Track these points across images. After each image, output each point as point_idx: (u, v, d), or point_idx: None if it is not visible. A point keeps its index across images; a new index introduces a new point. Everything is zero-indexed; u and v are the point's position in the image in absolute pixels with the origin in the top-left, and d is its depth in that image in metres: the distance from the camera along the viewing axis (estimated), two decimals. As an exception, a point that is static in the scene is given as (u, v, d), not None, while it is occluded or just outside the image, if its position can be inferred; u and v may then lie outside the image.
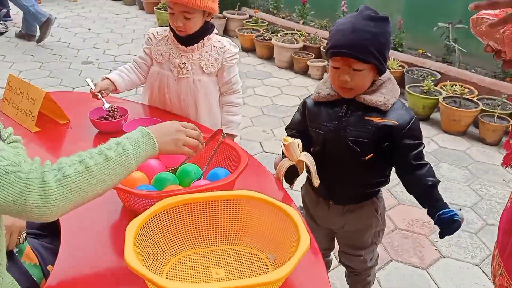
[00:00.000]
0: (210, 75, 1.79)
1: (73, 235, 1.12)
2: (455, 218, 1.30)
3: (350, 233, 1.55)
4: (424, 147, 1.38)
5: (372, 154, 1.35)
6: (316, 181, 1.37)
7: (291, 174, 1.42)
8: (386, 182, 1.48)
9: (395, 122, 1.32)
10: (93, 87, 1.71)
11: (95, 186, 0.87)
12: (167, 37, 1.81)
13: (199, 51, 1.76)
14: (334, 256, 2.16)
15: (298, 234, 0.94)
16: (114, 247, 1.10)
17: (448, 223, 1.31)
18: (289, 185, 1.46)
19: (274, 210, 1.05)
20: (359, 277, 1.69)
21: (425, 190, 1.35)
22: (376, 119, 1.33)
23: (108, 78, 1.77)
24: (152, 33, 1.84)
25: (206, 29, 1.75)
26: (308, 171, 1.39)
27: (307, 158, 1.37)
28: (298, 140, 1.38)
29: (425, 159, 1.37)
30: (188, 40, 1.75)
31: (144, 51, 1.86)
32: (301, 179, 1.54)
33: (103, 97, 1.71)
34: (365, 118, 1.33)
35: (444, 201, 1.35)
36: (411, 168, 1.35)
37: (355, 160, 1.36)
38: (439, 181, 1.37)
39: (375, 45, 1.27)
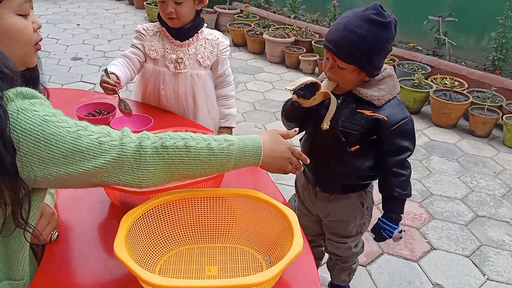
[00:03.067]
0: (207, 69, 1.80)
1: (59, 231, 1.11)
2: (384, 232, 1.42)
3: (335, 222, 1.57)
4: (410, 154, 1.35)
5: (358, 146, 1.36)
6: (326, 123, 1.31)
7: (309, 92, 1.29)
8: (373, 177, 1.48)
9: (385, 118, 1.31)
10: (110, 78, 1.61)
11: (187, 167, 0.91)
12: (158, 32, 1.78)
13: (194, 45, 1.76)
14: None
15: (292, 237, 0.94)
16: (101, 245, 1.09)
17: (378, 230, 1.43)
18: (294, 96, 1.33)
19: (272, 210, 1.04)
20: (345, 265, 1.71)
21: (389, 198, 1.40)
22: (368, 112, 1.32)
23: (113, 73, 1.66)
24: (143, 29, 1.79)
25: (198, 22, 1.75)
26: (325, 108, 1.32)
27: (334, 101, 1.30)
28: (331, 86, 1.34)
29: (408, 166, 1.36)
30: (182, 34, 1.74)
31: (136, 47, 1.79)
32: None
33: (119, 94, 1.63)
34: (358, 110, 1.34)
35: (400, 216, 1.41)
36: (388, 173, 1.36)
37: (341, 150, 1.37)
38: (409, 195, 1.38)
39: (360, 48, 1.24)
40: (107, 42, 5.15)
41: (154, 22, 1.84)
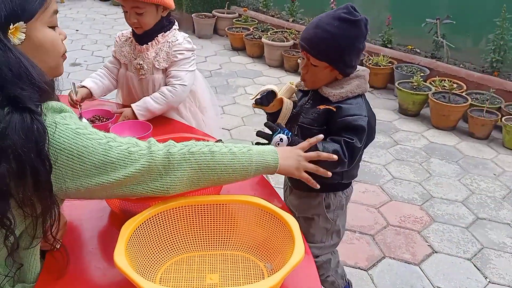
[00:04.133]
0: (164, 71, 1.79)
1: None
2: (279, 132, 1.29)
3: (301, 220, 1.54)
4: (356, 148, 1.27)
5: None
6: (282, 123, 1.39)
7: (266, 99, 1.41)
8: (340, 178, 1.42)
9: (334, 109, 1.32)
10: (75, 95, 1.69)
11: (213, 172, 0.94)
12: (130, 38, 1.82)
13: (154, 49, 1.76)
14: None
15: (293, 244, 0.94)
16: (101, 253, 1.09)
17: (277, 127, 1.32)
18: (253, 104, 1.44)
19: (272, 217, 1.04)
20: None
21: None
22: (321, 106, 1.34)
23: (84, 86, 1.77)
24: (118, 36, 1.87)
25: (161, 27, 1.74)
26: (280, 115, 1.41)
27: (287, 104, 1.41)
28: (294, 92, 1.47)
29: (345, 157, 1.26)
30: (142, 39, 1.75)
31: (113, 55, 1.88)
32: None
33: (80, 107, 1.68)
34: (316, 107, 1.36)
35: (297, 141, 1.27)
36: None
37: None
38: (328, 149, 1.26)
39: (331, 45, 1.28)
40: (105, 48, 5.15)
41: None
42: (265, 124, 1.35)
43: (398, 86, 3.74)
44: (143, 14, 1.66)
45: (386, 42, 4.44)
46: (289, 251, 0.95)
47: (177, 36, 1.77)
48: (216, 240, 1.09)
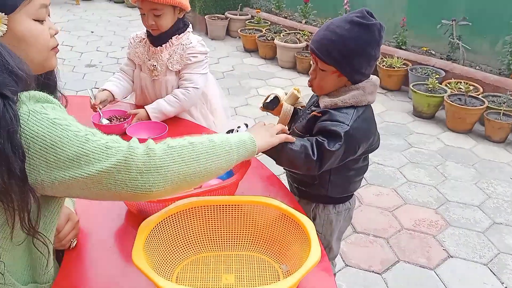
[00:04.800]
0: (177, 73, 1.80)
1: (78, 241, 1.11)
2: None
3: None
4: (323, 150, 1.21)
5: None
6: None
7: (271, 104, 1.51)
8: (325, 190, 1.38)
9: (318, 114, 1.29)
10: (93, 99, 1.71)
11: (198, 162, 0.88)
12: (144, 39, 1.84)
13: (168, 51, 1.77)
14: (340, 256, 2.15)
15: (309, 246, 0.93)
16: (119, 252, 1.10)
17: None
18: (261, 106, 1.56)
19: (288, 218, 1.04)
20: None
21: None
22: (312, 113, 1.32)
23: (106, 90, 1.79)
24: (132, 37, 1.89)
25: (176, 29, 1.76)
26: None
27: (286, 109, 1.45)
28: (301, 100, 1.48)
29: (313, 155, 1.22)
30: (156, 40, 1.77)
31: (127, 56, 1.90)
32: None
33: (100, 109, 1.70)
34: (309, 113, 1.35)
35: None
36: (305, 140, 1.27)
37: None
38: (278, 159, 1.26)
39: (339, 48, 1.23)
40: (120, 49, 5.20)
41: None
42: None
43: (412, 88, 3.70)
44: (160, 16, 1.67)
45: (400, 43, 4.40)
46: (305, 253, 0.94)
47: (191, 39, 1.78)
48: (232, 241, 1.09)
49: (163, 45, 1.76)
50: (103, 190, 0.82)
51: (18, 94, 0.79)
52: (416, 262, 2.16)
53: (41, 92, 0.83)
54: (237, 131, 1.25)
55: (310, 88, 1.37)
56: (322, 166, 1.24)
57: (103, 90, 1.79)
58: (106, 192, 0.82)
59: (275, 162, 1.26)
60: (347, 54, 1.23)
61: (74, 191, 0.82)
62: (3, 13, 0.81)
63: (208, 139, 0.93)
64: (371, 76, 1.34)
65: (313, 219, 1.44)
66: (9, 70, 0.78)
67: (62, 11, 6.91)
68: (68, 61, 4.75)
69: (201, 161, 0.89)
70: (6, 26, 0.82)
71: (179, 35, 1.77)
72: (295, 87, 1.51)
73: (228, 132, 1.28)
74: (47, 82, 0.98)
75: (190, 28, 1.81)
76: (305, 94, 1.49)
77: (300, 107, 1.48)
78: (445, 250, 2.24)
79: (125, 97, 1.92)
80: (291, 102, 1.48)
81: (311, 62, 1.34)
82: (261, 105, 1.52)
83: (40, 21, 0.88)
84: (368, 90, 1.29)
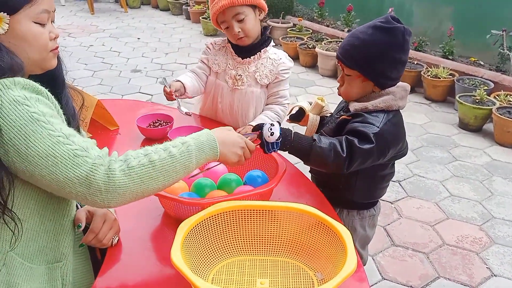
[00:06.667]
0: (263, 87, 1.80)
1: (119, 236, 1.16)
2: (269, 127, 1.20)
3: None
4: (353, 147, 1.21)
5: None
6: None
7: (297, 116, 1.56)
8: (350, 194, 1.38)
9: (348, 118, 1.29)
10: (169, 87, 1.73)
11: (156, 180, 0.90)
12: (225, 47, 1.83)
13: (255, 63, 1.76)
14: (377, 269, 2.10)
15: (345, 254, 0.92)
16: (157, 251, 1.13)
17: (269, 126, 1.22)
18: (287, 118, 1.60)
19: (325, 226, 1.03)
20: None
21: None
22: (341, 117, 1.33)
23: (179, 81, 1.79)
24: (211, 43, 1.87)
25: (263, 41, 1.76)
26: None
27: (312, 119, 1.48)
28: (326, 108, 1.52)
29: (342, 153, 1.21)
30: (244, 52, 1.76)
31: (202, 61, 1.88)
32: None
33: (177, 97, 1.73)
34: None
35: (287, 139, 1.22)
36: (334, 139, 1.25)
37: None
38: (306, 156, 1.23)
39: (361, 52, 1.25)
40: (164, 55, 5.36)
41: (209, 36, 1.90)
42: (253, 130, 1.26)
43: (459, 100, 3.58)
44: (244, 20, 1.66)
45: (447, 53, 4.27)
46: (341, 262, 0.94)
47: (279, 54, 1.79)
48: (267, 246, 1.09)
49: (252, 57, 1.76)
50: (67, 195, 0.86)
51: None
52: (457, 279, 2.07)
53: (28, 80, 0.88)
54: (271, 129, 1.20)
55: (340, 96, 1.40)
56: (351, 164, 1.23)
57: (177, 81, 1.79)
58: (73, 195, 0.86)
59: (303, 162, 1.27)
60: (369, 57, 1.25)
61: (44, 185, 0.87)
62: (6, 13, 0.88)
63: (170, 154, 0.92)
64: (400, 81, 1.34)
65: (353, 230, 1.43)
66: None
67: (111, 18, 7.22)
68: (115, 66, 4.95)
69: (159, 179, 0.91)
70: (8, 25, 0.88)
71: (266, 47, 1.77)
72: (318, 96, 1.53)
73: (256, 128, 1.23)
74: (54, 79, 1.03)
75: (272, 42, 1.82)
76: (330, 102, 1.50)
77: (326, 116, 1.50)
78: (489, 268, 2.14)
79: (193, 96, 1.89)
80: (316, 111, 1.50)
81: (339, 69, 1.36)
82: (287, 117, 1.56)
83: (41, 24, 0.93)
84: (398, 95, 1.30)
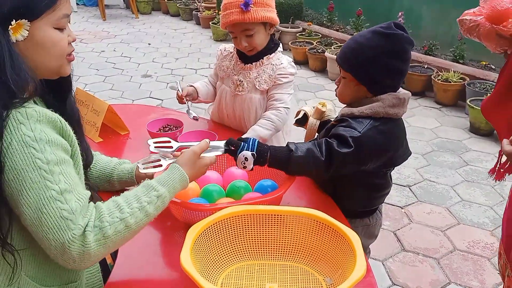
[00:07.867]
0: (263, 93, 1.78)
1: (128, 243, 1.17)
2: (243, 145, 1.21)
3: None
4: (332, 150, 1.21)
5: None
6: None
7: (302, 120, 1.60)
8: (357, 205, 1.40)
9: (334, 123, 1.31)
10: (181, 90, 1.78)
11: (130, 237, 0.93)
12: (232, 53, 1.84)
13: (257, 70, 1.76)
14: (387, 275, 2.09)
15: (355, 259, 0.92)
16: (165, 257, 1.14)
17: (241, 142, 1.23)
18: (294, 122, 1.65)
19: (334, 232, 1.04)
20: None
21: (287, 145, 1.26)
22: (331, 123, 1.36)
23: (192, 86, 1.85)
24: (221, 49, 1.89)
25: (268, 49, 1.75)
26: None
27: (311, 124, 1.51)
28: (328, 113, 1.53)
29: (321, 156, 1.21)
30: (248, 57, 1.76)
31: (214, 67, 1.92)
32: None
33: (187, 101, 1.77)
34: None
35: (264, 157, 1.22)
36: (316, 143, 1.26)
37: None
38: (288, 168, 1.24)
39: (357, 55, 1.25)
40: (174, 60, 5.41)
41: (218, 41, 1.92)
42: (228, 142, 1.23)
43: (470, 104, 3.55)
44: (253, 35, 1.66)
45: (457, 57, 4.24)
46: (350, 266, 0.94)
47: (281, 60, 1.77)
48: (276, 251, 1.10)
49: (253, 63, 1.76)
50: (43, 248, 0.86)
51: (9, 109, 0.82)
52: (469, 285, 2.05)
53: (42, 109, 0.86)
54: (244, 163, 1.20)
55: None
56: (330, 166, 1.22)
57: (190, 86, 1.85)
58: (46, 251, 0.86)
59: (285, 173, 1.27)
60: (363, 61, 1.25)
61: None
62: (26, 20, 0.85)
63: (145, 213, 0.93)
64: (400, 89, 1.32)
65: (369, 237, 1.45)
66: (1, 81, 0.81)
67: (122, 24, 7.31)
68: (126, 72, 5.00)
69: (133, 235, 0.93)
70: (28, 32, 0.86)
71: (270, 54, 1.76)
72: (320, 101, 1.55)
73: (235, 144, 1.22)
74: (61, 86, 1.02)
75: (280, 48, 1.80)
76: (338, 107, 1.50)
77: (331, 120, 1.49)
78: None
79: (207, 102, 1.94)
80: (317, 116, 1.52)
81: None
82: (294, 121, 1.61)
83: (61, 29, 0.92)
84: (388, 102, 1.26)
